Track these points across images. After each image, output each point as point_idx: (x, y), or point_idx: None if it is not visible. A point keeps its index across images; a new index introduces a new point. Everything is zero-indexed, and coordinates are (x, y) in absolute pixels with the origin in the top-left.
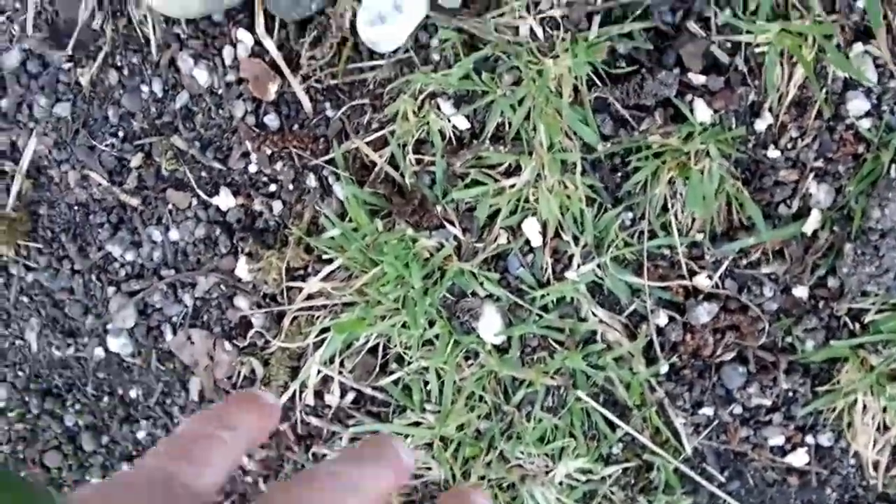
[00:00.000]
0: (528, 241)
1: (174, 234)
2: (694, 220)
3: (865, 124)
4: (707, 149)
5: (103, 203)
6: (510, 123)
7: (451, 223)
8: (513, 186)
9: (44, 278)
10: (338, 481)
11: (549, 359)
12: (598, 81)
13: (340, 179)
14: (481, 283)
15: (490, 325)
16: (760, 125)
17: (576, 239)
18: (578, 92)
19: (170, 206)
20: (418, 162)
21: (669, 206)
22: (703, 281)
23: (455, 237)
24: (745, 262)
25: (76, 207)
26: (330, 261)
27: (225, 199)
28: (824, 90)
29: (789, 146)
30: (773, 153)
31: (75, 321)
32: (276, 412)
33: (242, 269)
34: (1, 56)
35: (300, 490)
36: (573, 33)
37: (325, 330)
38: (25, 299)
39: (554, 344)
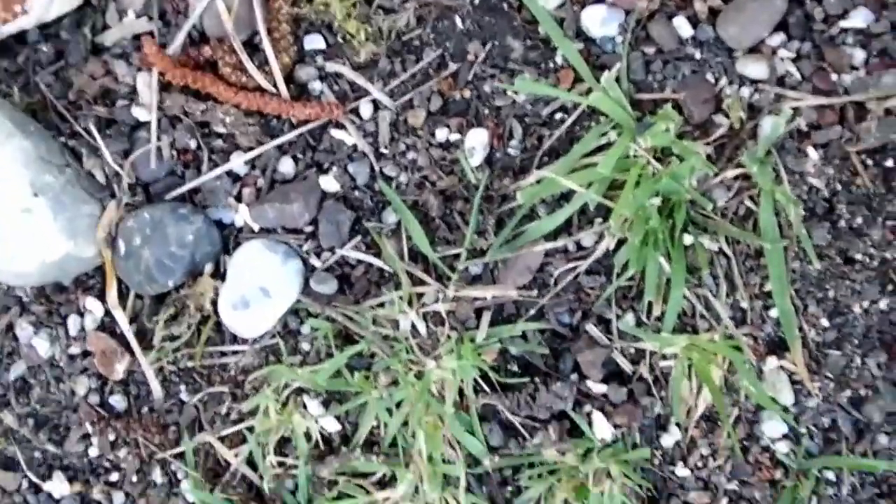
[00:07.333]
0: None
1: None
2: None
3: (783, 448)
4: (607, 468)
5: None
6: (386, 429)
7: None
8: (387, 500)
9: None
10: None
11: None
12: (486, 387)
13: (189, 478)
14: None
15: None
16: (668, 440)
17: None
18: (464, 397)
19: None
20: (280, 464)
21: None
22: None
23: None
24: None
25: None
26: None
27: (59, 486)
28: (737, 408)
29: (699, 465)
30: (682, 471)
31: None
32: None
33: None
34: None
35: None
36: (459, 332)
37: None
38: None
39: None
